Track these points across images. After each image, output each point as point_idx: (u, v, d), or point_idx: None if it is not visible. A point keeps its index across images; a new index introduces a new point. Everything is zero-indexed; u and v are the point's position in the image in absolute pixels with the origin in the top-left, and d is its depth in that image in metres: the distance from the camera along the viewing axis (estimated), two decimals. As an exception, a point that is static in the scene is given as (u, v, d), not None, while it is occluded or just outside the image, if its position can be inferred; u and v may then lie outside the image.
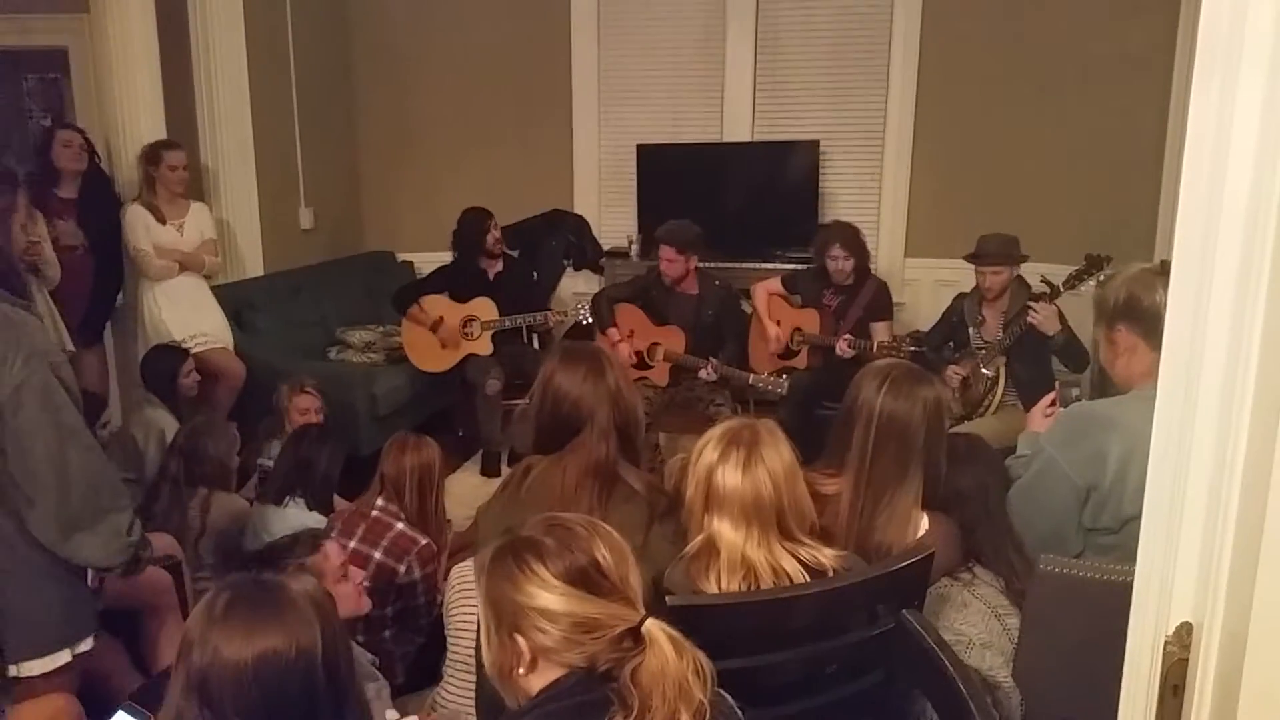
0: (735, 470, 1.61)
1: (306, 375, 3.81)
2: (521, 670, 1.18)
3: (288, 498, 2.92)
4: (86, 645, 1.94)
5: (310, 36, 5.19)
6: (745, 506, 1.61)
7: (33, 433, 1.75)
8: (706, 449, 1.66)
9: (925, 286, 5.26)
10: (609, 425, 1.76)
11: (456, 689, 2.11)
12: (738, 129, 5.49)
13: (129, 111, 4.13)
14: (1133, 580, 1.01)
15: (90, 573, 1.93)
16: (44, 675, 1.86)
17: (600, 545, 1.21)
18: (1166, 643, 0.95)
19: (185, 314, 4.07)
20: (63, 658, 1.88)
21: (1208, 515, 0.91)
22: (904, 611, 1.48)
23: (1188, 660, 0.94)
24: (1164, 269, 1.95)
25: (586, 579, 1.18)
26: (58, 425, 1.78)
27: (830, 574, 1.56)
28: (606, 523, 1.68)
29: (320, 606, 1.27)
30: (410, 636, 2.66)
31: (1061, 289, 3.51)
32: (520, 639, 1.17)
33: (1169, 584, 0.95)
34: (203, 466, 3.03)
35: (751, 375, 4.06)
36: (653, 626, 1.16)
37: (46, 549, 1.82)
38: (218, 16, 4.50)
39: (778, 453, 1.63)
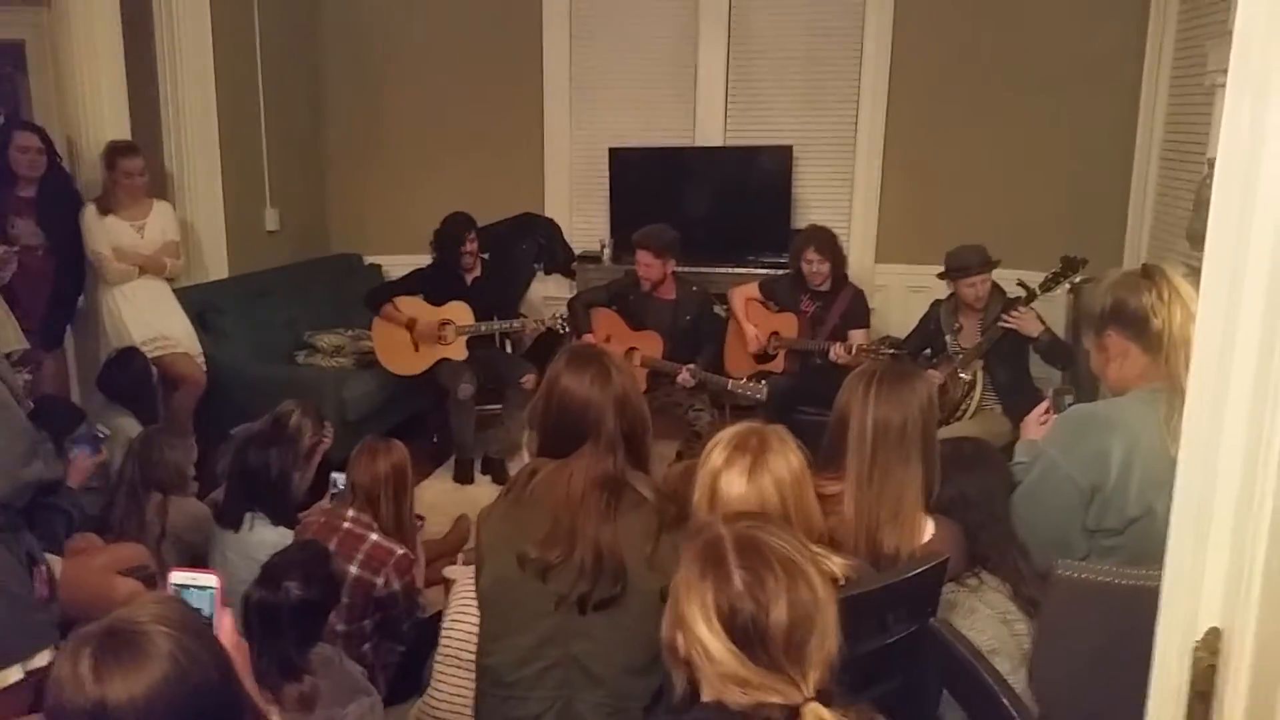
0: (740, 477, 1.59)
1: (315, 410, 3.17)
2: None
3: (248, 515, 2.72)
4: (42, 660, 1.77)
5: (278, 34, 5.10)
6: None
7: None
8: (714, 453, 1.63)
9: (896, 292, 5.27)
10: (616, 431, 1.71)
11: (448, 690, 2.06)
12: (710, 133, 5.47)
13: (91, 109, 4.02)
14: (1152, 583, 1.01)
15: (38, 579, 1.80)
16: None
17: (782, 603, 1.11)
18: (1195, 649, 0.94)
19: (146, 316, 3.97)
20: (13, 675, 1.73)
21: (1238, 517, 0.91)
22: (932, 621, 1.45)
23: (1216, 667, 0.93)
24: (1146, 272, 1.97)
25: (748, 639, 1.10)
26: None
27: (841, 582, 1.53)
28: (615, 531, 1.65)
29: (186, 629, 1.14)
30: (391, 647, 2.61)
31: (1039, 292, 3.55)
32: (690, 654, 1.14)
33: (1197, 588, 0.94)
34: (157, 471, 2.94)
35: (730, 380, 4.05)
36: (814, 711, 1.08)
37: None
38: (184, 12, 4.39)
39: (785, 461, 1.60)
